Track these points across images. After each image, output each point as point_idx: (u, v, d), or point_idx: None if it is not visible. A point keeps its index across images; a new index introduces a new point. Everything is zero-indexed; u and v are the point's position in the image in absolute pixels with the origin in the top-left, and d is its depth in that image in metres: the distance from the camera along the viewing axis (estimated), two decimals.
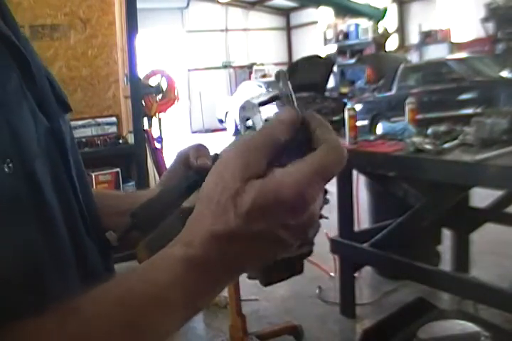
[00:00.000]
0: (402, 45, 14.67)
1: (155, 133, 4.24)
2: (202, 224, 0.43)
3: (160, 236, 0.52)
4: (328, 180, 0.45)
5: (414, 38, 14.10)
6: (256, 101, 0.63)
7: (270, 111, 0.56)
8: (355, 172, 3.24)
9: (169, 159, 4.10)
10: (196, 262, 0.43)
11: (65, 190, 0.52)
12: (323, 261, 3.86)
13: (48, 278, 0.45)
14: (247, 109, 0.63)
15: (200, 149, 0.62)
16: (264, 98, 0.63)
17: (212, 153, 0.62)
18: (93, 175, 3.19)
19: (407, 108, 3.46)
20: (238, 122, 0.64)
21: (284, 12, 18.58)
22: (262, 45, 18.08)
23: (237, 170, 0.43)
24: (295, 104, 0.49)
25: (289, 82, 0.52)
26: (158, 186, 0.65)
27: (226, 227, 0.42)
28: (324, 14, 16.00)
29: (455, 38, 13.08)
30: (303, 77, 13.15)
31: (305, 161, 0.44)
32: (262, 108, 0.63)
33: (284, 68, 14.32)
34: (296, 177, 0.42)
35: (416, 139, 2.77)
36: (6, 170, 0.42)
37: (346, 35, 15.64)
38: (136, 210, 0.55)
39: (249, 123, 0.62)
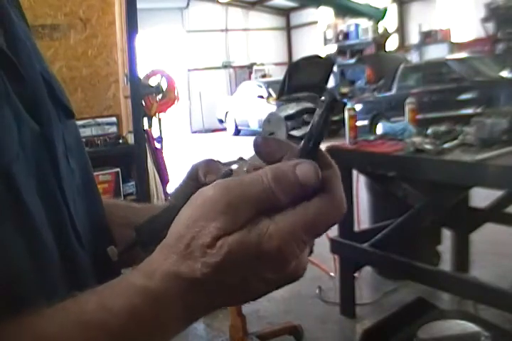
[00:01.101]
0: (402, 45, 14.68)
1: (155, 133, 4.24)
2: (167, 259, 0.40)
3: (158, 220, 0.52)
4: (317, 236, 0.40)
5: (414, 38, 14.10)
6: (283, 114, 0.53)
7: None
8: (355, 172, 3.24)
9: (169, 159, 4.11)
10: (154, 296, 0.40)
11: (53, 197, 0.50)
12: (323, 261, 3.86)
13: (27, 287, 0.43)
14: (272, 123, 0.53)
15: (210, 164, 0.57)
16: (291, 111, 0.52)
17: (222, 167, 0.58)
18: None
19: (407, 108, 3.46)
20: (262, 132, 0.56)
21: (284, 12, 18.59)
22: (262, 45, 18.08)
23: (214, 224, 0.39)
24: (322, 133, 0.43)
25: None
26: (169, 200, 0.62)
27: (190, 273, 0.39)
28: (324, 14, 16.00)
29: (455, 38, 13.08)
30: (303, 77, 13.20)
31: (295, 213, 0.39)
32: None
33: (284, 68, 14.33)
34: (281, 229, 0.38)
35: (416, 139, 2.77)
36: None
37: (346, 35, 15.65)
38: (140, 226, 0.53)
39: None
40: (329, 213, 0.40)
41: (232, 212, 0.39)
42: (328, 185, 0.40)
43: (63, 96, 0.60)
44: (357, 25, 15.15)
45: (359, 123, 3.88)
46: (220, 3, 17.09)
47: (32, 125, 0.49)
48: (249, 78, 16.90)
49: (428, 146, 2.66)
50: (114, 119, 3.65)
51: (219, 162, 0.57)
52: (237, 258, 0.39)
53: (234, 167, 0.54)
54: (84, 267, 0.53)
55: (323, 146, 0.41)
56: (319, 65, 12.80)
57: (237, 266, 0.39)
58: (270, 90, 13.48)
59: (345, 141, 3.18)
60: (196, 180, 0.57)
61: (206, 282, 0.39)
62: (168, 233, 0.42)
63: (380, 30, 14.69)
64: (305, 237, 0.39)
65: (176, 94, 4.79)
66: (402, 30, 14.80)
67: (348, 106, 3.40)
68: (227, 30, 17.65)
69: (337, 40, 15.87)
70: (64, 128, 0.56)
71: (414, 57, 13.28)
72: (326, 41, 16.22)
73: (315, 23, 17.04)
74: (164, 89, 4.65)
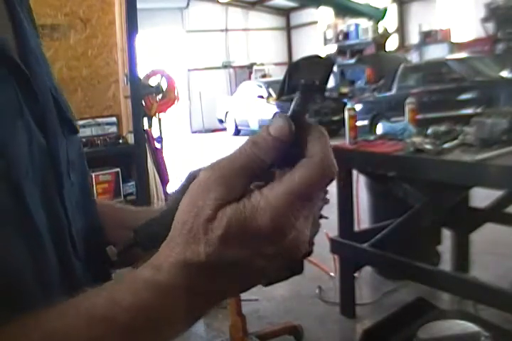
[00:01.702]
0: (402, 45, 14.68)
1: (155, 133, 4.24)
2: (173, 250, 0.41)
3: (156, 222, 0.54)
4: (310, 200, 0.40)
5: (414, 38, 14.10)
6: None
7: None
8: (355, 172, 3.24)
9: (169, 159, 4.11)
10: (162, 288, 0.41)
11: (55, 209, 0.51)
12: (323, 261, 3.86)
13: (28, 294, 0.44)
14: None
15: None
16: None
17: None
18: (93, 175, 3.19)
19: (407, 108, 3.46)
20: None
21: (284, 12, 18.58)
22: (262, 45, 18.08)
23: (211, 196, 0.40)
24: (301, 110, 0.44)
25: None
26: (166, 203, 0.65)
27: (195, 257, 0.40)
28: (324, 14, 16.01)
29: (455, 38, 13.08)
30: (303, 77, 13.13)
31: (281, 182, 0.40)
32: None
33: (284, 68, 14.32)
34: (270, 202, 0.39)
35: (416, 139, 2.77)
36: None
37: (346, 35, 15.65)
38: (139, 227, 0.55)
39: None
40: (314, 177, 0.39)
41: (226, 183, 0.40)
42: (311, 149, 0.41)
43: (68, 111, 0.61)
44: (357, 25, 15.15)
45: (359, 123, 3.88)
46: (220, 3, 17.09)
47: (40, 139, 0.51)
48: (249, 78, 16.90)
49: (428, 146, 2.66)
50: (114, 119, 3.65)
51: None
52: (237, 232, 0.39)
53: None
54: (79, 272, 0.54)
55: None
56: (319, 65, 12.77)
57: (235, 242, 0.39)
58: (270, 90, 13.48)
59: (345, 141, 3.18)
60: None
61: (211, 264, 0.40)
62: (172, 226, 0.43)
63: (380, 30, 14.69)
64: (298, 205, 0.39)
65: (176, 94, 4.79)
66: (402, 30, 14.80)
67: (348, 106, 3.40)
68: (227, 30, 17.64)
69: (337, 40, 15.87)
70: (68, 143, 0.58)
71: (414, 57, 13.28)
72: (326, 41, 16.22)
73: (315, 23, 17.04)
74: (164, 89, 4.65)
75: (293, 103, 0.45)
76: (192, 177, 0.57)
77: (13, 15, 0.54)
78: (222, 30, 17.59)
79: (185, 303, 0.42)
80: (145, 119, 4.21)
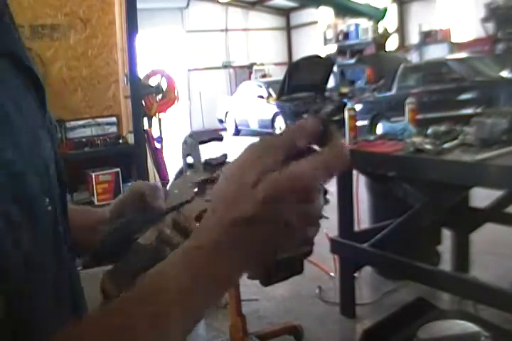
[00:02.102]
0: (402, 45, 14.67)
1: (155, 133, 4.24)
2: (214, 217, 0.49)
3: (120, 270, 0.59)
4: (331, 175, 0.50)
5: (414, 38, 14.10)
6: (197, 139, 0.72)
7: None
8: (355, 172, 3.24)
9: (169, 159, 4.11)
10: (205, 249, 0.48)
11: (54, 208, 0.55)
12: (323, 261, 3.86)
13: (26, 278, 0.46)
14: (188, 145, 0.72)
15: (156, 190, 0.68)
16: (205, 138, 0.72)
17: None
18: (93, 175, 3.19)
19: (407, 108, 3.46)
20: (182, 158, 0.73)
21: (284, 12, 18.58)
22: (262, 45, 18.08)
23: (257, 166, 0.48)
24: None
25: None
26: (110, 212, 0.69)
27: (243, 214, 0.47)
28: (324, 14, 16.00)
29: (455, 38, 13.08)
30: (303, 77, 13.17)
31: (311, 157, 0.49)
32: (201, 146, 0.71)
33: (284, 68, 14.33)
34: (304, 168, 0.48)
35: (416, 139, 2.77)
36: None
37: (346, 35, 15.64)
38: (99, 242, 0.60)
39: (190, 159, 0.70)
40: (333, 159, 0.49)
41: (268, 154, 0.49)
42: (330, 142, 0.50)
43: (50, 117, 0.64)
44: (357, 25, 15.15)
45: (359, 123, 3.88)
46: (220, 3, 17.08)
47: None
48: (249, 78, 16.90)
49: (428, 146, 2.66)
50: (114, 119, 3.65)
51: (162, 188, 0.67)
52: (275, 194, 0.47)
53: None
54: (70, 264, 0.58)
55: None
56: (319, 65, 12.81)
57: (275, 202, 0.47)
58: (270, 90, 13.48)
59: (345, 141, 3.18)
60: (142, 200, 0.67)
61: (254, 220, 0.47)
62: (210, 205, 0.51)
63: (380, 30, 14.69)
64: (322, 172, 0.49)
65: (176, 94, 4.79)
66: (402, 30, 14.80)
67: (348, 106, 3.40)
68: (227, 30, 17.64)
69: (337, 40, 15.86)
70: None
71: (414, 57, 13.28)
72: (326, 41, 16.21)
73: (315, 23, 17.04)
74: (164, 89, 4.65)
75: (324, 111, 0.56)
76: (138, 193, 0.67)
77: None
78: (222, 30, 17.59)
79: (228, 259, 0.48)
80: (145, 119, 4.21)
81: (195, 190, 0.66)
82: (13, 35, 0.55)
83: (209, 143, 0.75)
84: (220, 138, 0.76)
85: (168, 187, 0.70)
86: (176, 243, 0.61)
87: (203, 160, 0.71)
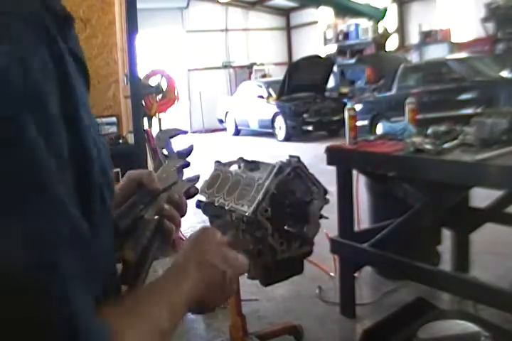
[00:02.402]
0: (402, 45, 14.67)
1: (155, 133, 4.24)
2: (189, 256, 0.74)
3: (136, 241, 0.74)
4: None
5: (414, 38, 14.10)
6: (167, 134, 0.97)
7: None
8: (355, 173, 3.24)
9: None
10: (185, 271, 0.72)
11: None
12: (323, 261, 3.86)
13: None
14: (162, 140, 0.96)
15: (151, 175, 0.84)
16: (173, 133, 0.97)
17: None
18: None
19: (407, 108, 3.46)
20: (159, 150, 0.95)
21: (284, 12, 18.58)
22: (262, 45, 18.07)
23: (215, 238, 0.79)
24: None
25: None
26: (118, 195, 0.82)
27: (209, 260, 0.74)
28: (324, 14, 16.00)
29: (455, 38, 13.08)
30: (303, 77, 13.17)
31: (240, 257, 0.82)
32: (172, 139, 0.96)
33: (284, 68, 14.33)
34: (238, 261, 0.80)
35: (416, 139, 2.77)
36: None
37: (346, 35, 15.63)
38: (117, 220, 0.73)
39: (165, 151, 0.93)
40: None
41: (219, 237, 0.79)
42: None
43: None
44: (357, 25, 15.14)
45: (359, 123, 3.88)
46: (220, 3, 17.08)
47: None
48: (249, 78, 16.89)
49: (428, 146, 2.66)
50: (114, 119, 3.66)
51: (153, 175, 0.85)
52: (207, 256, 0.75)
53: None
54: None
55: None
56: (319, 65, 12.81)
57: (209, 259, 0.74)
58: (270, 90, 13.48)
59: (345, 141, 3.18)
60: (141, 185, 0.82)
61: (212, 265, 0.74)
62: (183, 246, 0.77)
63: (380, 30, 14.68)
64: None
65: (176, 94, 4.79)
66: (402, 30, 14.80)
67: (348, 106, 3.40)
68: (227, 30, 17.64)
69: (337, 40, 15.86)
70: None
71: (414, 57, 13.27)
72: (326, 41, 16.21)
73: (315, 23, 17.04)
74: (164, 89, 4.65)
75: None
76: (136, 179, 0.83)
77: None
78: (222, 30, 17.59)
79: (190, 283, 0.70)
80: (145, 119, 4.21)
81: (178, 174, 0.90)
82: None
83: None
84: (185, 132, 1.00)
85: (157, 173, 0.88)
86: (173, 214, 0.82)
87: (175, 150, 0.93)
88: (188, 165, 0.92)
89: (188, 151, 0.95)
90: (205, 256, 0.73)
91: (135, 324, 0.59)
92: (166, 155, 0.93)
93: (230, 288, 0.75)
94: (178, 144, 0.95)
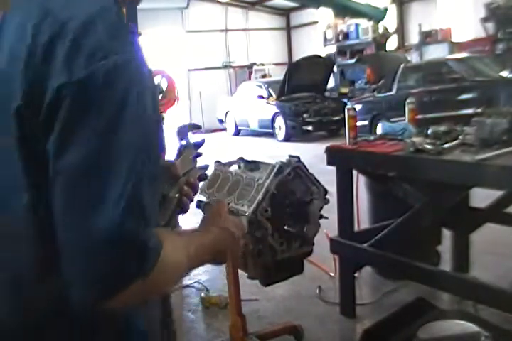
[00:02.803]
0: (402, 45, 14.66)
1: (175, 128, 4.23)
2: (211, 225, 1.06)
3: (165, 213, 1.05)
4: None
5: (414, 38, 14.09)
6: (186, 128, 1.25)
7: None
8: (355, 173, 3.24)
9: (169, 158, 4.11)
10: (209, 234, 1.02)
11: None
12: (323, 261, 3.86)
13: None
14: (181, 133, 1.24)
15: (175, 164, 1.15)
16: (190, 128, 1.26)
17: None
18: None
19: (407, 108, 3.46)
20: (177, 141, 1.23)
21: (284, 12, 18.58)
22: (262, 45, 18.07)
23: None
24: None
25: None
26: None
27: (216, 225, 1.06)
28: (324, 14, 16.00)
29: (455, 38, 13.07)
30: (303, 77, 13.17)
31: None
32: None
33: (284, 68, 14.33)
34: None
35: (416, 139, 2.77)
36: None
37: (346, 35, 15.62)
38: None
39: (183, 142, 1.22)
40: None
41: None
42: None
43: None
44: (357, 25, 15.12)
45: (359, 123, 3.88)
46: (220, 3, 17.08)
47: None
48: (249, 78, 16.89)
49: (428, 146, 2.66)
50: None
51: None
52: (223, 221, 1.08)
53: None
54: None
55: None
56: (319, 65, 12.80)
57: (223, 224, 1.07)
58: (270, 90, 13.47)
59: (345, 141, 3.18)
60: (167, 171, 1.11)
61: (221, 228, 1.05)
62: (204, 221, 1.07)
63: (380, 30, 14.67)
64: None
65: (176, 94, 4.79)
66: (402, 30, 14.79)
67: (348, 106, 3.40)
68: (227, 30, 17.64)
69: (337, 40, 15.84)
70: None
71: (414, 57, 13.27)
72: (326, 41, 16.20)
73: (315, 23, 17.03)
74: (164, 90, 4.65)
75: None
76: (162, 165, 1.03)
77: None
78: (222, 30, 17.58)
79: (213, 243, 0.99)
80: None
81: (193, 162, 1.19)
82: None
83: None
84: (199, 127, 1.30)
85: (178, 161, 1.15)
86: (189, 193, 1.13)
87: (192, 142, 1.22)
88: (200, 155, 1.22)
89: (201, 143, 1.24)
90: (222, 223, 1.03)
91: (174, 242, 0.85)
92: (184, 145, 1.20)
93: (238, 244, 1.06)
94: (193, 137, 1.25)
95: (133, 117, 0.76)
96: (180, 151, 1.18)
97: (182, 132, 1.21)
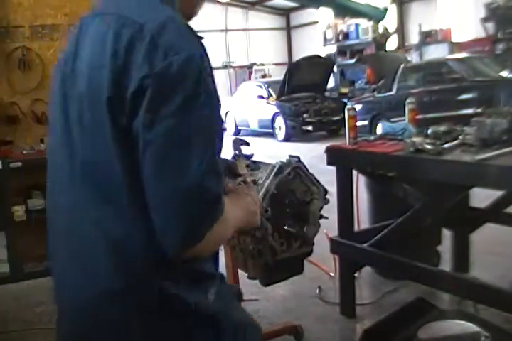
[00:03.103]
0: (402, 45, 14.68)
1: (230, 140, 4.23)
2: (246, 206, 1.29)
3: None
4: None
5: (414, 38, 14.11)
6: (239, 142, 1.62)
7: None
8: (355, 173, 3.24)
9: None
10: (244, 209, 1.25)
11: None
12: (323, 261, 3.86)
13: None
14: (236, 145, 1.60)
15: (236, 164, 1.50)
16: (242, 141, 1.64)
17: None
18: None
19: (407, 108, 3.46)
20: (232, 150, 1.60)
21: (284, 12, 18.59)
22: (262, 45, 18.09)
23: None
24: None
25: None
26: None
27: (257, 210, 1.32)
28: (324, 14, 16.01)
29: (455, 38, 13.08)
30: (303, 77, 13.16)
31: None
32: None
33: (284, 68, 14.32)
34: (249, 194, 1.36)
35: (416, 139, 2.77)
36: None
37: (346, 35, 15.64)
38: None
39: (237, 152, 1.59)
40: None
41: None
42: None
43: None
44: (357, 25, 15.14)
45: (359, 123, 3.88)
46: (220, 3, 17.09)
47: None
48: (249, 78, 16.90)
49: (428, 146, 2.66)
50: None
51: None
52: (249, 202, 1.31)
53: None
54: None
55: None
56: (319, 65, 12.80)
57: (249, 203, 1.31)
58: (270, 90, 13.47)
59: (345, 141, 3.18)
60: (229, 168, 1.52)
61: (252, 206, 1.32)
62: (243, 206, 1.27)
63: (380, 30, 14.69)
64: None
65: None
66: (402, 30, 14.81)
67: (348, 106, 3.40)
68: (227, 30, 17.66)
69: (337, 40, 15.86)
70: None
71: (414, 57, 13.29)
72: (326, 41, 16.21)
73: (315, 23, 17.06)
74: None
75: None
76: (235, 158, 1.62)
77: None
78: (222, 30, 17.61)
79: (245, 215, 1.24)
80: None
81: (246, 168, 1.49)
82: None
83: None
84: (248, 143, 1.64)
85: (237, 162, 1.46)
86: (248, 181, 1.43)
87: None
88: (249, 165, 1.63)
89: (251, 156, 1.66)
90: (248, 205, 1.25)
91: (232, 206, 1.11)
92: (238, 154, 1.54)
93: (258, 218, 1.29)
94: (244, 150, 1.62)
95: (204, 99, 0.98)
96: (235, 158, 1.50)
97: (236, 143, 1.57)
